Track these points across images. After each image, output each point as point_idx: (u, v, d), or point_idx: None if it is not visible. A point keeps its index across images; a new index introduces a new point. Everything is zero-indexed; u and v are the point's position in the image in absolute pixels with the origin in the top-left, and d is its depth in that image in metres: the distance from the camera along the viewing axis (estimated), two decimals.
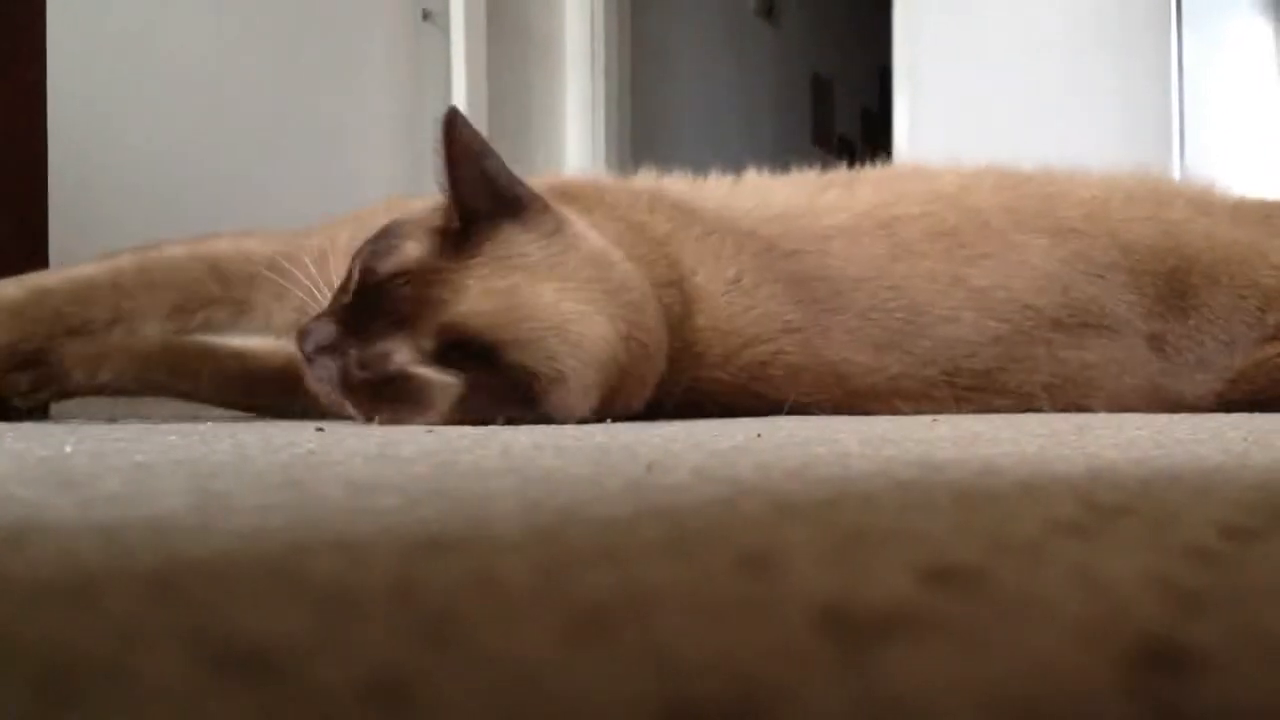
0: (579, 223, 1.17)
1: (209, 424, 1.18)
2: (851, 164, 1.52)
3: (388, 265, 1.10)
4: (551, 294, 1.08)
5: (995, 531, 0.40)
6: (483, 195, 1.12)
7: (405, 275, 1.08)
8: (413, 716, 0.20)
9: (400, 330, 1.06)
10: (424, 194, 1.23)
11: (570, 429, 1.04)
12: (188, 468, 0.63)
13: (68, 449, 0.78)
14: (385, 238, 1.13)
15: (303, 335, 1.09)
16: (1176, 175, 2.79)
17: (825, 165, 1.52)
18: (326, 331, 1.08)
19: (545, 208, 1.15)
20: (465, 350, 1.06)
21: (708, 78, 4.77)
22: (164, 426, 1.13)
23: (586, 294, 1.10)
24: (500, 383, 1.06)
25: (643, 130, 3.98)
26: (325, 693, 0.20)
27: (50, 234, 1.39)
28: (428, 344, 1.06)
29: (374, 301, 1.08)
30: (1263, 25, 2.81)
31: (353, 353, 1.07)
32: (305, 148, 2.82)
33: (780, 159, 1.55)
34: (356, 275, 1.11)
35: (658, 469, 0.64)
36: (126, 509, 0.44)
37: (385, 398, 1.07)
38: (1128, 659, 0.23)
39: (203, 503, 0.45)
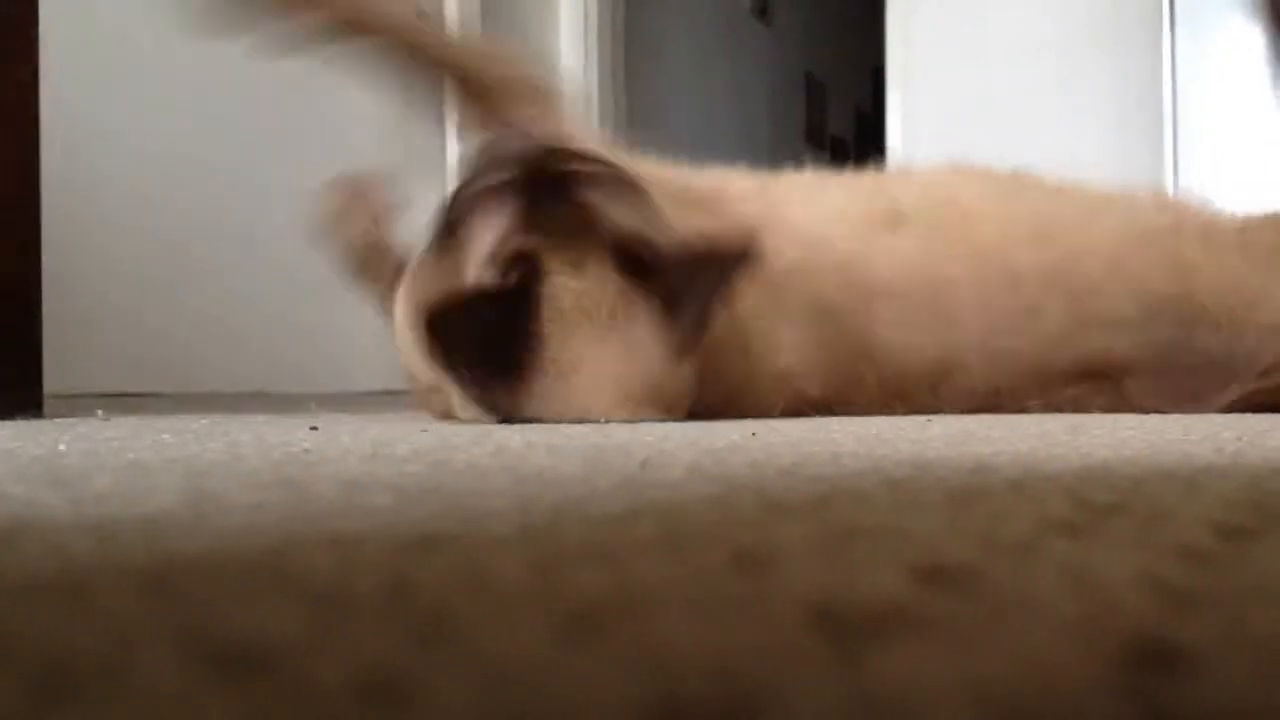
0: None
1: (205, 421, 1.18)
2: (844, 164, 1.52)
3: None
4: None
5: (987, 530, 0.40)
6: None
7: None
8: (406, 714, 0.20)
9: None
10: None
11: (564, 429, 1.04)
12: (181, 466, 0.63)
13: (61, 447, 0.78)
14: None
15: None
16: (1169, 175, 2.79)
17: (818, 164, 1.52)
18: None
19: None
20: None
21: (702, 77, 4.77)
22: (158, 424, 1.13)
23: None
24: None
25: (637, 129, 3.98)
26: (319, 690, 0.20)
27: (44, 232, 1.39)
28: None
29: None
30: (1254, 28, 2.82)
31: None
32: (298, 146, 2.81)
33: (774, 158, 1.55)
34: None
35: (651, 467, 0.64)
36: (119, 507, 0.44)
37: None
38: (1120, 658, 0.23)
39: (195, 501, 0.45)
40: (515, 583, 0.29)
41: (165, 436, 0.92)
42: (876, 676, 0.22)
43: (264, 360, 2.65)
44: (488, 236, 1.09)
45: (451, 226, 1.13)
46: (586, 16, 3.70)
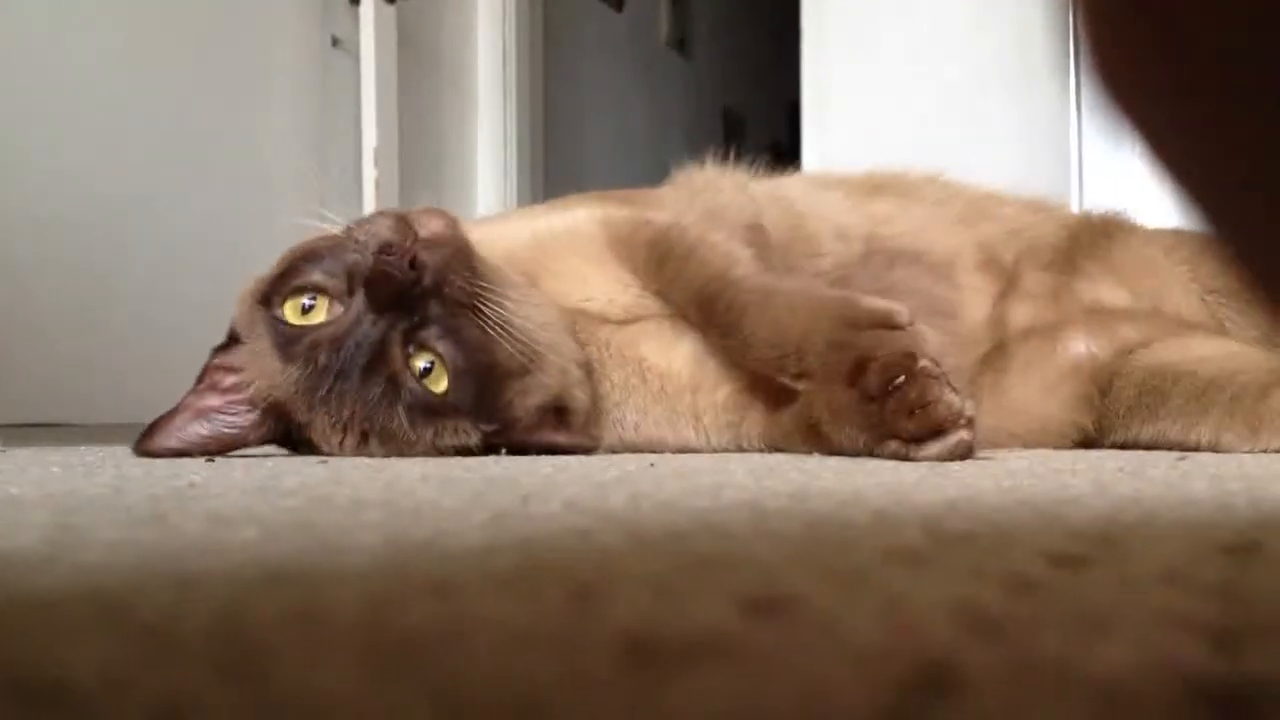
0: None
1: (101, 453, 1.17)
2: None
3: None
4: None
5: (830, 560, 0.42)
6: None
7: None
8: None
9: None
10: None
11: (467, 462, 1.05)
12: (57, 501, 0.62)
13: None
14: None
15: None
16: (1075, 209, 2.87)
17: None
18: None
19: None
20: None
21: (620, 109, 4.81)
22: (54, 456, 1.11)
23: None
24: None
25: (555, 160, 4.00)
26: None
27: None
28: None
29: None
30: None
31: None
32: (209, 174, 2.79)
33: None
34: None
35: (533, 501, 0.65)
36: None
37: None
38: (900, 683, 0.25)
39: (57, 537, 0.45)
40: (345, 618, 0.30)
41: (54, 470, 0.91)
42: (666, 703, 0.23)
43: (179, 389, 2.62)
44: None
45: None
46: (504, 47, 3.71)
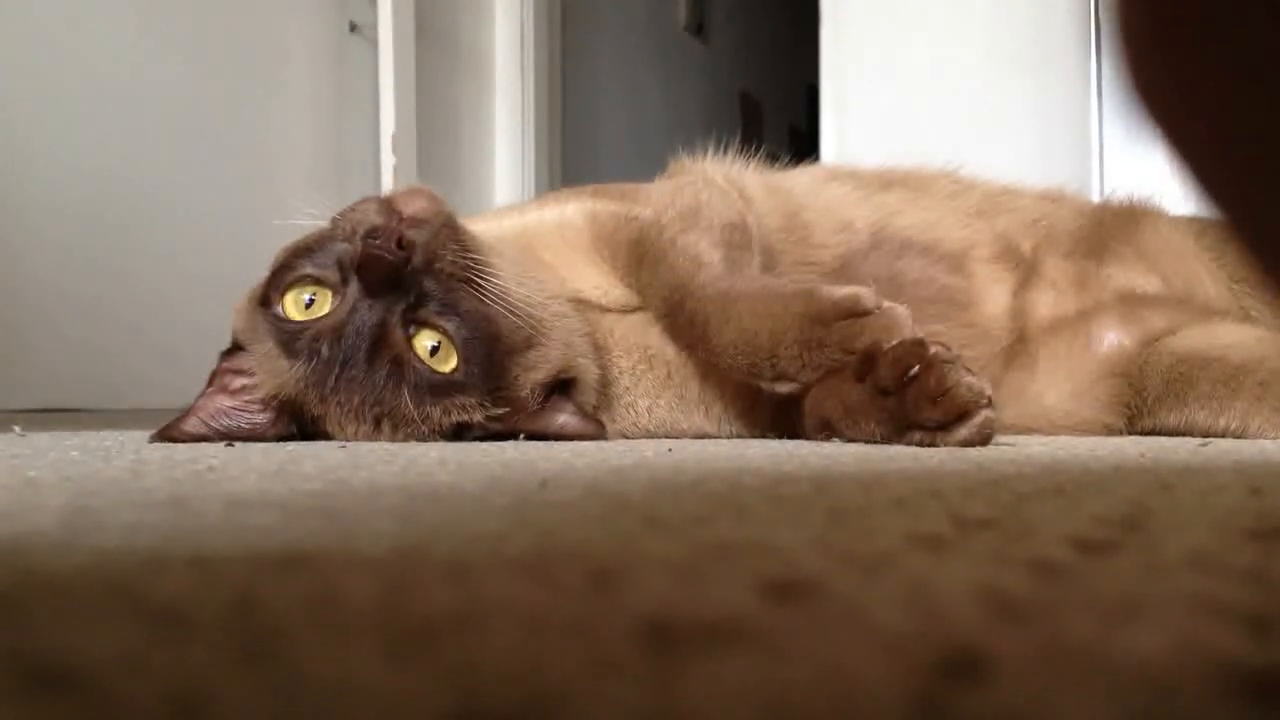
0: None
1: (120, 437, 1.17)
2: None
3: None
4: None
5: (852, 545, 0.41)
6: None
7: None
8: None
9: None
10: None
11: (485, 446, 1.04)
12: (75, 484, 0.62)
13: None
14: None
15: None
16: (1095, 194, 2.85)
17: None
18: None
19: None
20: None
21: (637, 93, 4.79)
22: (73, 440, 1.12)
23: None
24: None
25: (572, 145, 3.99)
26: (128, 708, 0.21)
27: None
28: None
29: None
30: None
31: None
32: (227, 161, 2.79)
33: None
34: None
35: (552, 485, 0.65)
36: None
37: None
38: (928, 668, 0.24)
39: (74, 520, 0.45)
40: (362, 602, 0.30)
41: (73, 454, 0.91)
42: (684, 688, 0.23)
43: (195, 375, 2.62)
44: None
45: None
46: (522, 32, 3.71)
